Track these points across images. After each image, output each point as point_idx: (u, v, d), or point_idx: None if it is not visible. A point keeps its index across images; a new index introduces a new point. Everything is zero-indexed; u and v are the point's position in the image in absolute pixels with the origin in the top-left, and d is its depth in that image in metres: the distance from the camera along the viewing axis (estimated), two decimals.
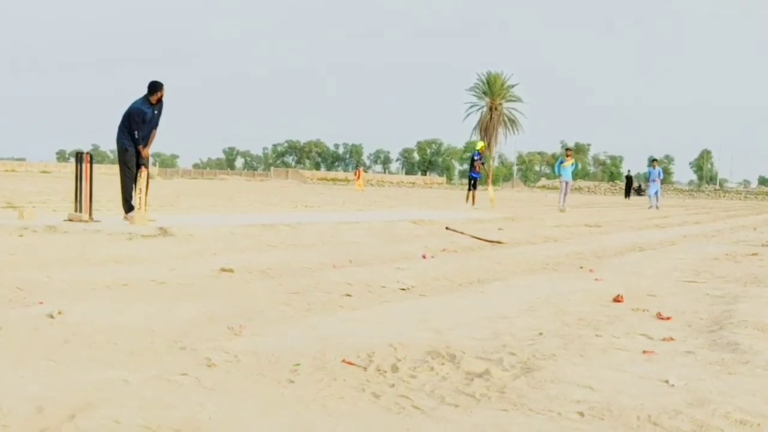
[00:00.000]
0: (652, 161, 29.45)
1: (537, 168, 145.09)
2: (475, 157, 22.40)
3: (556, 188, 25.08)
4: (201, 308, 4.40)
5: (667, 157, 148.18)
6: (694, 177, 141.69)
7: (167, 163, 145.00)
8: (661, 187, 29.28)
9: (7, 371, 2.96)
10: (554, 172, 25.83)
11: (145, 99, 10.16)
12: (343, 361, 3.28)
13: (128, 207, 10.16)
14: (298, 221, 11.34)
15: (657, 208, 27.41)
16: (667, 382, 3.08)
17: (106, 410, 2.51)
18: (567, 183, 22.14)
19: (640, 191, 75.36)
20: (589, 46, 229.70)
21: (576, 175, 23.68)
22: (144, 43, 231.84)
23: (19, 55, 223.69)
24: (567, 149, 24.46)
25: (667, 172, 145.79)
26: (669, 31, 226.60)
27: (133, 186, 10.19)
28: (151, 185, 11.14)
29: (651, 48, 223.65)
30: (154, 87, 10.16)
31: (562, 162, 22.61)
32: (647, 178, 30.55)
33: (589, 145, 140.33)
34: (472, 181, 22.34)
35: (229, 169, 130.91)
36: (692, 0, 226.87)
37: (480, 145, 23.49)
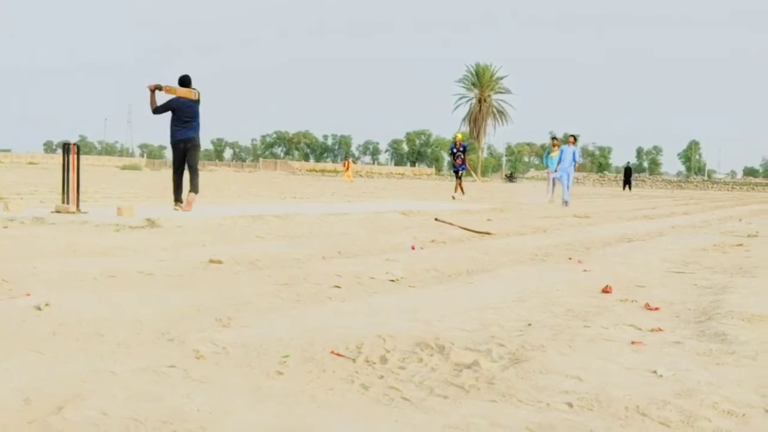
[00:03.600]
0: (570, 138, 21.37)
1: (526, 159, 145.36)
2: (455, 151, 22.17)
3: (544, 179, 24.75)
4: (189, 300, 4.39)
5: (655, 147, 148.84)
6: (683, 168, 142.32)
7: (155, 154, 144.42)
8: (572, 174, 20.75)
9: None
10: (543, 164, 25.08)
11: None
12: (332, 352, 3.28)
13: (176, 198, 11.20)
14: (287, 212, 11.32)
15: (566, 202, 19.86)
16: (655, 372, 3.09)
17: (93, 402, 2.50)
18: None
19: (511, 178, 74.72)
20: (577, 36, 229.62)
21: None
22: (139, 38, 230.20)
23: (8, 42, 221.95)
24: (554, 138, 23.22)
25: (655, 163, 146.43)
26: (654, 22, 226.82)
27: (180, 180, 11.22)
28: (141, 176, 11.47)
29: (639, 39, 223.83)
30: (186, 80, 11.13)
31: (549, 153, 22.38)
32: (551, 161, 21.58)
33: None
34: (460, 174, 22.34)
35: (217, 160, 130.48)
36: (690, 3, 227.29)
37: (460, 136, 23.04)
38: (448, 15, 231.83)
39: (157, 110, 10.95)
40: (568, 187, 20.27)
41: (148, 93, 10.91)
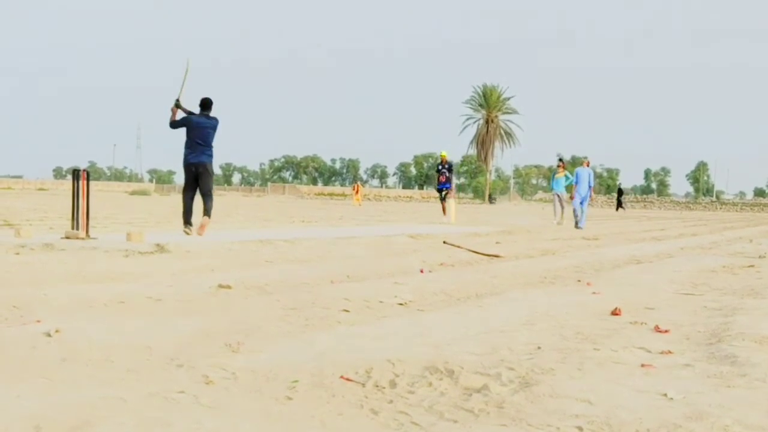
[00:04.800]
0: (584, 160, 21.17)
1: (534, 181, 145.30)
2: (440, 168, 21.44)
3: (550, 201, 24.24)
4: (198, 325, 4.39)
5: (663, 169, 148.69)
6: (691, 189, 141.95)
7: (164, 179, 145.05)
8: (589, 198, 20.24)
9: (4, 390, 2.95)
10: (550, 186, 24.81)
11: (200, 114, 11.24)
12: (342, 377, 3.27)
13: (185, 221, 11.12)
14: (296, 236, 11.34)
15: (580, 227, 19.26)
16: (665, 395, 3.08)
17: (103, 429, 2.50)
18: (559, 195, 21.82)
19: (491, 199, 76.22)
20: (582, 57, 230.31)
21: (570, 188, 21.20)
22: (148, 62, 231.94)
23: (15, 69, 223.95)
24: (560, 160, 23.15)
25: (663, 184, 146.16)
26: (667, 46, 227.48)
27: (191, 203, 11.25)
28: (150, 202, 11.48)
29: (646, 61, 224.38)
30: (207, 103, 11.27)
31: (555, 174, 22.32)
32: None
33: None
34: (443, 193, 21.29)
35: (226, 185, 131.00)
36: (693, 18, 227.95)
37: (444, 154, 21.91)
38: (456, 37, 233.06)
39: (174, 125, 11.11)
40: (583, 211, 19.81)
41: (170, 113, 11.20)
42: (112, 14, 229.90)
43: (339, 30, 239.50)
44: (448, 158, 21.66)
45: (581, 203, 19.85)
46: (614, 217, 34.71)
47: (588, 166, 20.93)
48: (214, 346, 3.86)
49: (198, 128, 10.97)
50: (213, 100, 11.23)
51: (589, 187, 20.25)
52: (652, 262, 9.70)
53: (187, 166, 11.05)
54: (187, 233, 10.81)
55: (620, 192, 50.53)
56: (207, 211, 11.06)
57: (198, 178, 11.07)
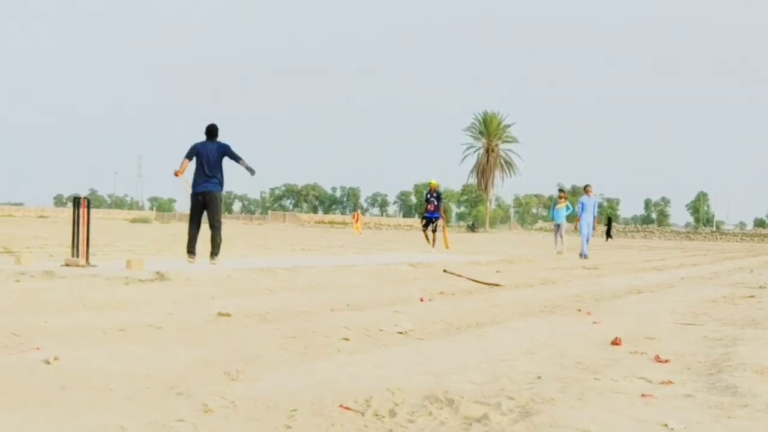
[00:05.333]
0: (587, 188, 20.99)
1: (534, 210, 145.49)
2: (429, 197, 21.20)
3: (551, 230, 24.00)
4: (198, 353, 4.38)
5: (663, 199, 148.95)
6: (691, 219, 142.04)
7: (164, 207, 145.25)
8: (593, 228, 20.59)
9: (2, 418, 2.94)
10: (550, 216, 24.92)
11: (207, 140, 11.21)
12: (341, 406, 3.26)
13: (188, 250, 11.07)
14: (296, 265, 11.34)
15: (585, 256, 19.45)
16: (666, 425, 3.07)
17: None
18: (560, 225, 21.88)
19: (473, 228, 76.61)
20: (586, 86, 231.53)
21: (572, 218, 21.16)
22: (148, 92, 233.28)
23: (19, 96, 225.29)
24: (560, 191, 23.51)
25: (663, 215, 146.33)
26: (665, 74, 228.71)
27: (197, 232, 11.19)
28: (151, 229, 11.46)
29: (647, 90, 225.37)
30: (213, 129, 11.23)
31: (556, 204, 22.44)
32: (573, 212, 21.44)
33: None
34: (432, 222, 20.67)
35: (226, 213, 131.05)
36: (692, 47, 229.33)
37: (434, 182, 21.44)
38: (455, 63, 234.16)
39: (187, 158, 11.12)
40: (587, 240, 19.95)
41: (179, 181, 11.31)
42: (115, 40, 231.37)
43: (339, 55, 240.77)
44: (438, 187, 21.33)
45: (585, 230, 20.01)
46: (614, 247, 34.70)
47: (591, 193, 20.99)
48: (213, 374, 3.85)
49: (202, 156, 10.91)
50: (218, 126, 11.16)
51: (593, 217, 20.42)
52: (653, 292, 9.69)
53: (194, 195, 10.99)
54: (190, 262, 10.79)
55: (609, 221, 50.28)
56: (214, 252, 10.97)
57: (205, 207, 10.98)
